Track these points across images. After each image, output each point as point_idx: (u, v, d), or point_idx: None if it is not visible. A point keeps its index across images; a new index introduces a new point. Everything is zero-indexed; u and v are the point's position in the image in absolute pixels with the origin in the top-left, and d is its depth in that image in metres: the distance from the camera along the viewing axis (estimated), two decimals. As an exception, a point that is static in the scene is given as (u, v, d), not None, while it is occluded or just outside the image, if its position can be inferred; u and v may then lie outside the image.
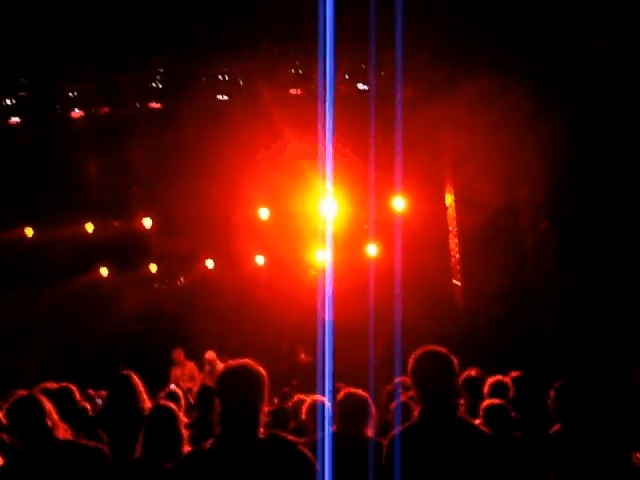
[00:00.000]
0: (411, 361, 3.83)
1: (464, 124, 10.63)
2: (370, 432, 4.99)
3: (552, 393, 5.59)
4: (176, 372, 12.12)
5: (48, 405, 4.10)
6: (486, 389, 6.30)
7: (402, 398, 6.25)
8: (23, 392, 6.36)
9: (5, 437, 5.66)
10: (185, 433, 4.71)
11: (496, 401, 5.46)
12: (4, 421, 4.24)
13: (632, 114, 9.21)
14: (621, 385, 7.06)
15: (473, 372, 6.62)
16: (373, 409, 5.18)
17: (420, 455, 3.59)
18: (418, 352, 3.83)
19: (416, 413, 3.79)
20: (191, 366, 12.19)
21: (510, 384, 6.72)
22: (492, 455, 3.67)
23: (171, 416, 4.67)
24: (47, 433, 3.97)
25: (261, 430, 3.39)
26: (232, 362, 3.56)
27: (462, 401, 6.10)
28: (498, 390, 6.29)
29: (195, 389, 11.17)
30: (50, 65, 11.40)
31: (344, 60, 10.78)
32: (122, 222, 14.51)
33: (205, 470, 3.31)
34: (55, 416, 4.09)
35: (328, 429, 5.05)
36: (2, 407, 6.77)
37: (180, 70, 11.34)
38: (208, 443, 3.42)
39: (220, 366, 12.00)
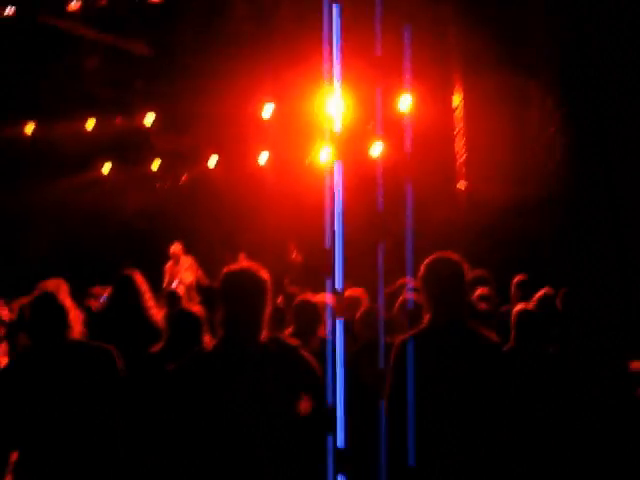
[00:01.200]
0: (422, 267, 3.80)
1: (474, 22, 10.28)
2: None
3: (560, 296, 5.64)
4: (170, 266, 12.15)
5: (66, 304, 4.13)
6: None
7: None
8: (45, 287, 6.48)
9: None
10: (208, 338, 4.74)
11: (530, 307, 5.38)
12: (24, 315, 4.27)
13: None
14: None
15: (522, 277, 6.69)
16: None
17: (426, 361, 3.60)
18: (429, 258, 3.80)
19: (425, 320, 3.79)
20: (188, 260, 12.20)
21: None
22: (498, 365, 3.68)
23: (195, 321, 4.74)
24: (63, 332, 4.00)
25: (263, 334, 3.40)
26: (235, 266, 3.54)
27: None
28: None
29: (194, 280, 11.33)
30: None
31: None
32: (124, 118, 14.29)
33: (206, 372, 3.33)
34: (72, 316, 4.11)
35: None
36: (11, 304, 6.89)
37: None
38: (210, 346, 3.44)
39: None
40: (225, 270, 3.52)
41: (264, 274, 3.45)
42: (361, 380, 5.03)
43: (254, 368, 3.27)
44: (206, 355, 3.39)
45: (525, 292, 6.85)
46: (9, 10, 11.55)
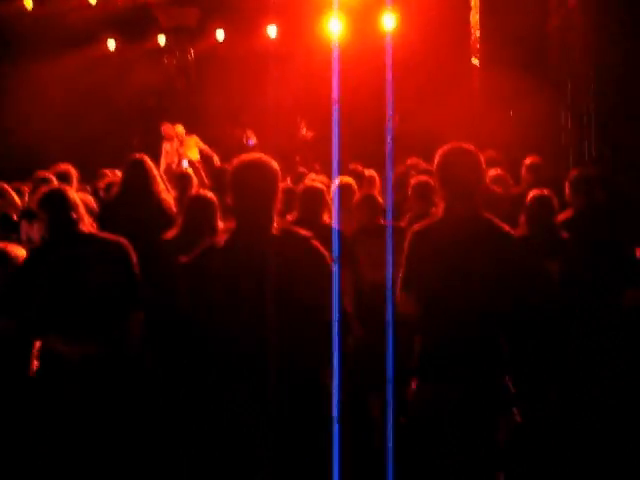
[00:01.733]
0: (437, 156, 3.76)
1: None
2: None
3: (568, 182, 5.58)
4: (166, 146, 12.07)
5: (75, 198, 4.17)
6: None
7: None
8: (44, 174, 6.47)
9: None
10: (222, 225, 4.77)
11: (545, 192, 5.32)
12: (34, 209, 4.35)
13: None
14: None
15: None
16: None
17: (442, 252, 3.62)
18: (445, 148, 3.74)
19: (440, 209, 3.78)
20: (193, 138, 12.10)
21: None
22: (514, 255, 3.69)
23: (211, 207, 4.76)
24: (72, 225, 4.05)
25: (274, 225, 3.41)
26: (245, 157, 3.51)
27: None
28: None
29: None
30: None
31: None
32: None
33: (219, 265, 3.36)
34: (81, 209, 4.16)
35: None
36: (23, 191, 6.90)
37: None
38: (222, 238, 3.45)
39: (189, 139, 12.03)
40: (235, 161, 3.49)
41: (274, 165, 3.42)
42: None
43: (266, 261, 3.29)
44: (219, 249, 3.40)
45: (537, 175, 6.78)
46: None
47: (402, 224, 5.48)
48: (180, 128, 12.21)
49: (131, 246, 4.23)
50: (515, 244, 3.78)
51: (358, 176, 7.30)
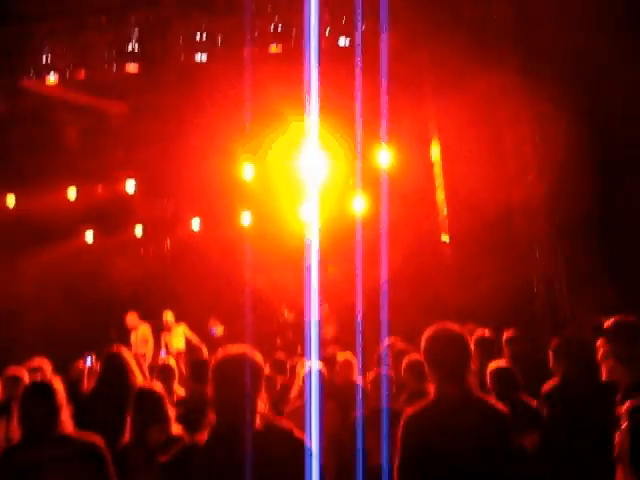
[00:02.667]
0: (425, 340, 3.78)
1: (449, 77, 10.45)
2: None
3: (551, 351, 5.59)
4: (132, 337, 11.92)
5: (62, 397, 4.04)
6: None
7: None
8: (16, 369, 6.36)
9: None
10: (173, 413, 4.69)
11: (502, 364, 5.40)
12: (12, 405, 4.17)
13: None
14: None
15: (486, 332, 6.63)
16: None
17: (437, 435, 3.56)
18: (431, 330, 3.77)
19: (431, 392, 3.75)
20: (144, 328, 12.00)
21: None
22: (510, 434, 3.64)
23: (155, 399, 4.65)
24: (51, 425, 3.91)
25: (257, 419, 3.35)
26: (228, 349, 3.49)
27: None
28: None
29: (150, 352, 11.16)
30: (20, 27, 11.08)
31: (324, 15, 10.54)
32: (105, 186, 14.31)
33: (202, 464, 3.26)
34: (65, 410, 4.03)
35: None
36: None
37: (156, 30, 11.03)
38: (204, 435, 3.37)
39: (174, 329, 11.98)
40: (218, 353, 3.47)
41: (258, 357, 3.41)
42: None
43: (250, 458, 3.20)
44: (200, 447, 3.31)
45: (516, 348, 6.79)
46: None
47: (398, 405, 5.43)
48: (169, 316, 12.21)
49: (105, 446, 4.08)
50: (508, 424, 3.72)
51: (330, 361, 7.28)
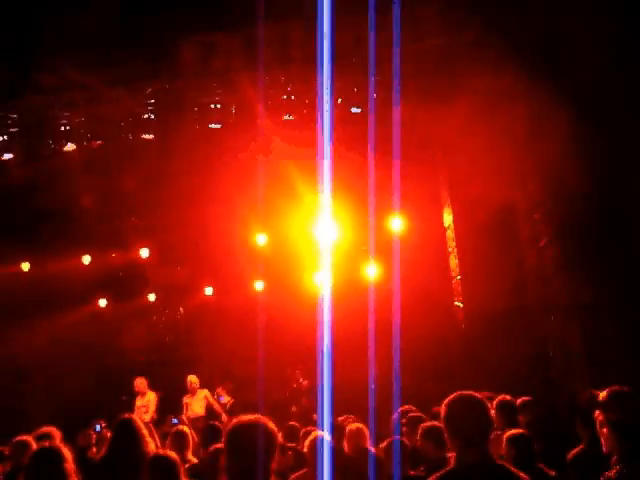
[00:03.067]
0: (444, 408, 3.72)
1: (460, 144, 10.58)
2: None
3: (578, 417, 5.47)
4: (137, 402, 11.80)
5: (69, 460, 3.97)
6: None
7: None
8: (26, 438, 6.31)
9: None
10: None
11: (519, 431, 5.30)
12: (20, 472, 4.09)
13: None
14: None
15: (507, 397, 6.53)
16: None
17: None
18: (451, 398, 3.73)
19: (452, 460, 3.69)
20: (150, 396, 11.84)
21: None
22: None
23: (171, 467, 4.57)
24: None
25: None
26: (242, 418, 3.44)
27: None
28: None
29: (149, 420, 11.03)
30: (39, 99, 11.36)
31: (336, 84, 10.75)
32: (119, 253, 14.45)
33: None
34: (72, 471, 3.96)
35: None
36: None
37: (171, 100, 11.29)
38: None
39: (221, 400, 11.86)
40: (233, 421, 3.44)
41: (271, 426, 3.37)
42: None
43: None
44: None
45: (533, 414, 6.68)
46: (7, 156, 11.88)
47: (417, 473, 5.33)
48: (194, 378, 12.07)
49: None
50: None
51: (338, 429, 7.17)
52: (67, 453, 4.01)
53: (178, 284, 14.96)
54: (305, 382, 13.58)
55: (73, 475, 3.94)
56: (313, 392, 12.85)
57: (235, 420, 3.39)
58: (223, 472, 3.31)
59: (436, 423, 5.77)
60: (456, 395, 3.72)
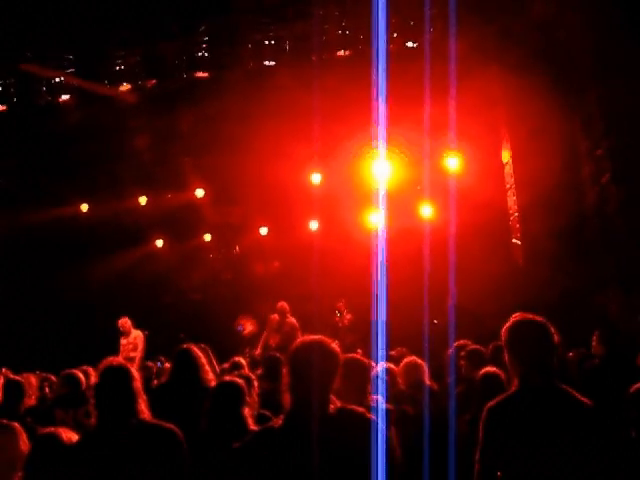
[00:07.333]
0: (505, 331, 3.65)
1: (519, 79, 10.27)
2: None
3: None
4: (122, 341, 11.83)
5: (138, 379, 4.01)
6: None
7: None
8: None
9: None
10: (250, 411, 4.65)
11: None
12: (90, 391, 4.16)
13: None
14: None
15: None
16: None
17: (521, 428, 3.44)
18: (513, 321, 3.65)
19: (513, 384, 3.65)
20: (136, 334, 11.85)
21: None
22: (596, 427, 3.50)
23: (236, 394, 4.62)
24: (129, 413, 3.89)
25: (331, 406, 3.32)
26: (306, 338, 3.47)
27: None
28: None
29: (138, 358, 11.10)
30: (95, 39, 11.39)
31: (392, 18, 10.52)
32: (175, 193, 14.58)
33: (276, 450, 3.24)
34: (141, 391, 4.00)
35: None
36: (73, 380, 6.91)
37: (225, 37, 11.19)
38: (279, 421, 3.35)
39: (289, 319, 11.92)
40: (297, 341, 3.46)
41: (334, 346, 3.38)
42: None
43: (323, 443, 3.16)
44: (274, 432, 3.29)
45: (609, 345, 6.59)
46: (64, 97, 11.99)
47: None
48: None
49: (182, 436, 4.07)
50: (595, 417, 3.57)
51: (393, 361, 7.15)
52: (136, 373, 4.07)
53: (233, 224, 15.05)
54: (349, 316, 13.54)
55: (142, 395, 4.00)
56: (357, 327, 12.91)
57: (299, 339, 3.41)
58: (286, 390, 3.34)
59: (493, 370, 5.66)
60: (518, 318, 3.64)
